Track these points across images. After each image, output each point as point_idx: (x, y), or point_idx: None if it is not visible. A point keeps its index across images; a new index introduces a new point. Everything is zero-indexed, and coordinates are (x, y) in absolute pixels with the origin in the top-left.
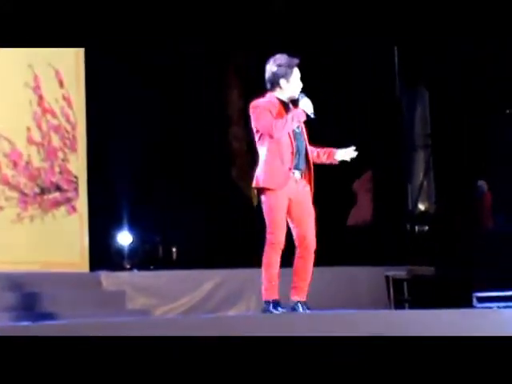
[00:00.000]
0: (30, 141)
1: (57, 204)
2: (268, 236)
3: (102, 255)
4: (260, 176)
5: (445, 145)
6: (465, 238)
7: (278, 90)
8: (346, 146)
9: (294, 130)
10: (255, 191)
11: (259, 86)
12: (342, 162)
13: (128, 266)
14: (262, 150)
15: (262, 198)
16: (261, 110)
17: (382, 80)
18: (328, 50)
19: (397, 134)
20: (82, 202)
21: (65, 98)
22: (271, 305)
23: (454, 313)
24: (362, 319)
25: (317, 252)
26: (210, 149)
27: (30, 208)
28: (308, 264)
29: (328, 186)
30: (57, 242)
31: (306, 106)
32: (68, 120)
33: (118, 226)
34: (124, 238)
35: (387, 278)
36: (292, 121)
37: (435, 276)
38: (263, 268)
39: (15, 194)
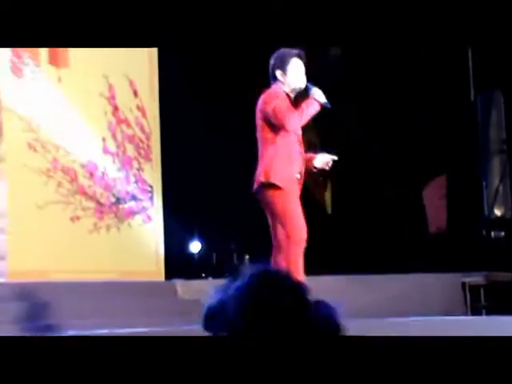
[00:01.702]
0: (106, 151)
1: (132, 213)
2: (291, 236)
3: (178, 263)
4: (268, 171)
5: None
6: None
7: (277, 83)
8: (419, 151)
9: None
10: (326, 195)
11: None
12: (415, 168)
13: (203, 274)
14: (270, 145)
15: (271, 196)
16: (276, 100)
17: (456, 84)
18: (400, 54)
19: (472, 139)
20: (157, 211)
21: (139, 108)
22: None
23: None
24: (438, 325)
25: (393, 259)
26: None
27: (106, 218)
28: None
29: (402, 193)
30: (132, 250)
31: (318, 95)
32: (142, 130)
33: (192, 234)
34: (198, 246)
35: (464, 284)
36: (308, 112)
37: None
38: (295, 272)
39: (92, 204)
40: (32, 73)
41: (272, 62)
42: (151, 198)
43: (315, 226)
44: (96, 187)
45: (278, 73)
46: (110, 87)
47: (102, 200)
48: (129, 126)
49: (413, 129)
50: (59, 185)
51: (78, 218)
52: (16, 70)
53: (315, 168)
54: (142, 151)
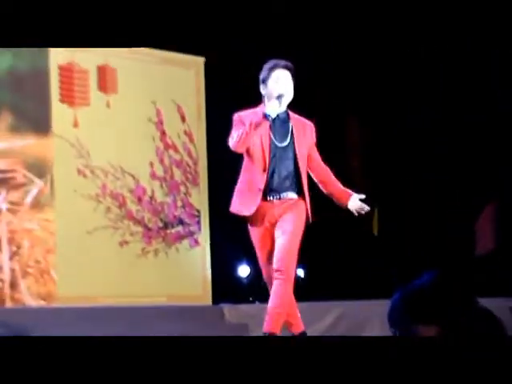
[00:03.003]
0: (153, 176)
1: (180, 238)
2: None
3: (225, 288)
4: (232, 200)
5: None
6: None
7: (264, 99)
8: (467, 172)
9: (273, 144)
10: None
11: (377, 115)
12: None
13: (251, 299)
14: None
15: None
16: (235, 122)
17: (508, 102)
18: (454, 70)
19: None
20: (204, 236)
21: (186, 133)
22: None
23: None
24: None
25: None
26: None
27: (154, 242)
28: (282, 290)
29: (451, 214)
30: (180, 275)
31: (268, 106)
32: (190, 155)
33: (239, 258)
34: (247, 270)
35: None
36: (250, 127)
37: None
38: (273, 304)
39: (140, 229)
40: (81, 99)
41: (259, 77)
42: (198, 223)
43: (362, 248)
44: (144, 212)
45: (262, 87)
46: (158, 112)
47: (150, 225)
48: (176, 151)
49: (463, 150)
50: (108, 210)
51: (126, 242)
52: (65, 97)
53: (346, 207)
54: (190, 176)
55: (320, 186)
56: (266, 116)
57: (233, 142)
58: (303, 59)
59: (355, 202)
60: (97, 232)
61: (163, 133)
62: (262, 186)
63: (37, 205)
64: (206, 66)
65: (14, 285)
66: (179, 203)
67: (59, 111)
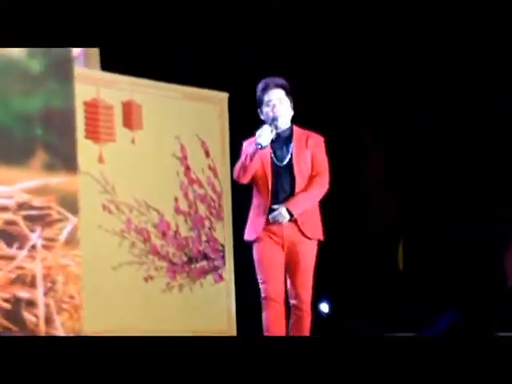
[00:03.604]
0: (178, 211)
1: (204, 273)
2: (262, 292)
3: (249, 322)
4: (246, 229)
5: None
6: None
7: None
8: (496, 200)
9: (274, 164)
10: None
11: (376, 115)
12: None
13: None
14: None
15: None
16: (243, 150)
17: (508, 102)
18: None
19: None
20: (228, 270)
21: (211, 168)
22: None
23: None
24: None
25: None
26: (359, 213)
27: (179, 277)
28: (303, 325)
29: (480, 246)
30: (204, 310)
31: (260, 136)
32: (214, 189)
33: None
34: None
35: None
36: (246, 159)
37: None
38: (268, 332)
39: (164, 264)
40: (106, 135)
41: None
42: (223, 257)
43: (387, 282)
44: (168, 247)
45: (259, 113)
46: (182, 147)
47: (175, 259)
48: (201, 185)
49: (463, 150)
50: (132, 245)
51: (151, 277)
52: (90, 134)
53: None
54: (214, 210)
55: None
56: (257, 145)
57: (235, 173)
58: (303, 60)
59: (279, 211)
60: (122, 267)
61: (187, 168)
62: (266, 208)
63: (71, 241)
64: (230, 100)
65: (49, 320)
66: (203, 238)
67: (85, 147)
